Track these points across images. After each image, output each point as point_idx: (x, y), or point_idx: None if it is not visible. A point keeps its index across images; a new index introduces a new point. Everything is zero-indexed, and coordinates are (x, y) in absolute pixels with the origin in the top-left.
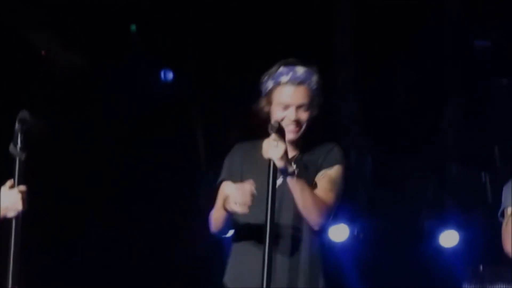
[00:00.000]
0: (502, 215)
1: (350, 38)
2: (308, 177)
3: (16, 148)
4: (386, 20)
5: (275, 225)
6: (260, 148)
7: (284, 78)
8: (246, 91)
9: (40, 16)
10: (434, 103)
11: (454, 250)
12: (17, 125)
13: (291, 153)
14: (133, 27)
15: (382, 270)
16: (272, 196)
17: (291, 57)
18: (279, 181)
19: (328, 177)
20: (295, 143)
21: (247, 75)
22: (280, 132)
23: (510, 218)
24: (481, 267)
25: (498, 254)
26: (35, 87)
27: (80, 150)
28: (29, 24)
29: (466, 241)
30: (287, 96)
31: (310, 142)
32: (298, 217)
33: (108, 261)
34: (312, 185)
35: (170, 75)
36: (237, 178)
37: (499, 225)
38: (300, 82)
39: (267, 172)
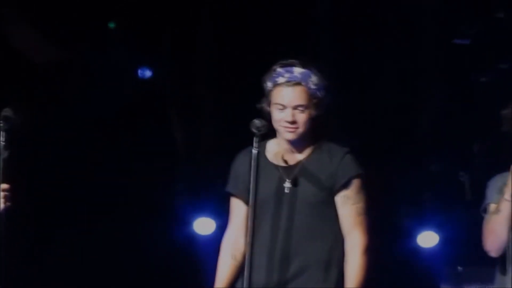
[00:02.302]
0: (485, 210)
1: (329, 33)
2: (315, 183)
3: None
4: (366, 15)
5: (287, 230)
6: (263, 151)
7: (281, 79)
8: (225, 87)
9: (19, 11)
10: (413, 100)
11: (432, 250)
12: None
13: (297, 157)
14: (112, 25)
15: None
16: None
17: (267, 51)
18: (288, 185)
19: (351, 200)
20: (300, 146)
21: (226, 72)
22: (261, 130)
23: (492, 216)
24: (459, 268)
25: (477, 254)
26: (14, 83)
27: (59, 146)
28: (7, 19)
29: (444, 241)
30: (283, 97)
31: (318, 145)
32: (311, 222)
33: (90, 258)
34: (321, 192)
35: (147, 73)
36: (244, 188)
37: (479, 224)
38: (297, 83)
39: (273, 176)
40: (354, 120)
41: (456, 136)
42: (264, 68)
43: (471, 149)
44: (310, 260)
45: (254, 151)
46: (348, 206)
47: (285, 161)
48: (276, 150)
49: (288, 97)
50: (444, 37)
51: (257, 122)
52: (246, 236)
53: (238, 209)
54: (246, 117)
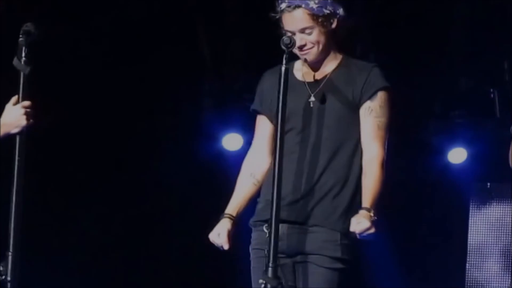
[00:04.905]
0: None
1: None
2: (341, 97)
3: (21, 61)
4: None
5: (314, 146)
6: (291, 69)
7: (283, 5)
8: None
9: None
10: (442, 16)
11: (461, 166)
12: (21, 38)
13: (323, 72)
14: None
15: (387, 184)
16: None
17: None
18: (313, 99)
19: (374, 113)
20: (324, 62)
21: None
22: (291, 47)
23: None
24: (488, 184)
25: (506, 170)
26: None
27: (83, 60)
28: None
29: (474, 157)
30: (288, 23)
31: (344, 60)
32: (338, 137)
33: (117, 172)
34: (346, 107)
35: None
36: (269, 106)
37: (508, 141)
38: (296, 6)
39: (300, 92)
40: (381, 35)
41: (486, 51)
42: None
43: (501, 65)
44: (336, 177)
45: (283, 67)
46: (370, 119)
47: (312, 77)
48: (304, 69)
49: (291, 22)
50: None
51: (286, 38)
52: (274, 151)
53: (263, 128)
54: (275, 32)
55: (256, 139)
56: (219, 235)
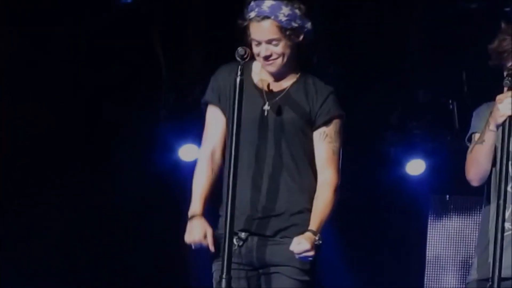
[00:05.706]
0: (470, 140)
1: None
2: (297, 111)
3: None
4: None
5: (268, 157)
6: (249, 72)
7: (251, 14)
8: (210, 13)
9: None
10: (400, 27)
11: (419, 178)
12: None
13: (281, 85)
14: None
15: (345, 197)
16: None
17: None
18: (267, 107)
19: (328, 138)
20: (284, 74)
21: None
22: (246, 58)
23: (475, 145)
24: (447, 196)
25: (465, 183)
26: None
27: (40, 70)
28: None
29: (432, 169)
30: (255, 33)
31: (303, 75)
32: (292, 151)
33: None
34: (301, 124)
35: None
36: (224, 99)
37: (466, 153)
38: (265, 17)
39: (256, 100)
40: (340, 48)
41: (444, 63)
42: None
43: (460, 77)
44: (302, 192)
45: (238, 78)
46: (325, 144)
47: (269, 86)
48: (262, 74)
49: (259, 32)
50: None
51: (241, 50)
52: (228, 160)
53: (216, 119)
54: (231, 43)
55: (210, 132)
56: (206, 236)
